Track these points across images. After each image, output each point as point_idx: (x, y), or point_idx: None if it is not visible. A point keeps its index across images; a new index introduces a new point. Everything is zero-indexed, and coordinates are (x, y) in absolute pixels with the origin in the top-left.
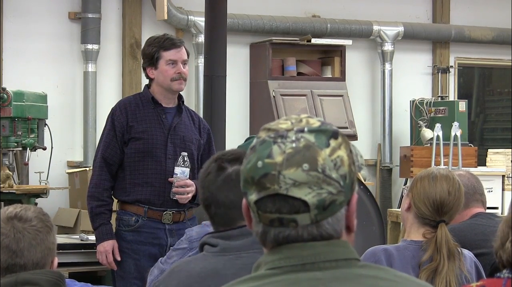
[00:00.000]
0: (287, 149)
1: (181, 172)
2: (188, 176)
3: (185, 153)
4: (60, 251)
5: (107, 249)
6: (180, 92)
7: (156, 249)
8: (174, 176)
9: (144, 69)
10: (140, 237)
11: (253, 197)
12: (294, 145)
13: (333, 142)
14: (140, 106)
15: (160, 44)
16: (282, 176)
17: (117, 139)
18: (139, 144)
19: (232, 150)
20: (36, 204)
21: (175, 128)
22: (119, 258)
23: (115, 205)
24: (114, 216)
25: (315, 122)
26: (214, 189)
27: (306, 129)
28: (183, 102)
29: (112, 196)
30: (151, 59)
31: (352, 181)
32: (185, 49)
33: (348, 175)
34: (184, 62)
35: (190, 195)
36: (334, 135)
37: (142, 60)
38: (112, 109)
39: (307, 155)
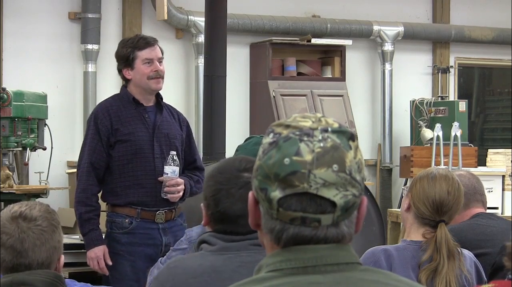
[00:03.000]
0: (315, 148)
1: (172, 171)
2: (178, 175)
3: (174, 152)
4: None
5: (98, 255)
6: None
7: (152, 250)
8: (164, 175)
9: (120, 71)
10: (135, 238)
11: (277, 194)
12: (322, 144)
13: (352, 144)
14: (121, 108)
15: (134, 45)
16: (312, 175)
17: (102, 143)
18: (127, 146)
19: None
20: None
21: (159, 127)
22: (110, 263)
23: (104, 208)
24: (104, 218)
25: (333, 123)
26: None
27: (329, 129)
28: (161, 98)
29: (102, 200)
30: (126, 60)
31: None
32: (159, 47)
33: (364, 178)
34: (160, 60)
35: (181, 194)
36: (352, 137)
37: (117, 63)
38: (93, 112)
39: (336, 155)
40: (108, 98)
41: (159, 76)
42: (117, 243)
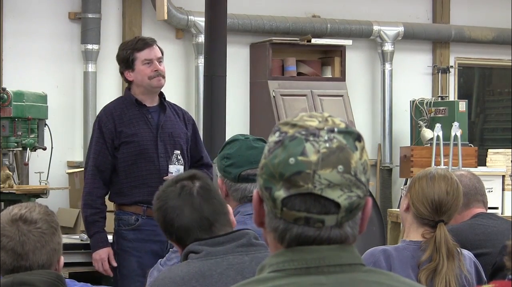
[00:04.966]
0: (321, 148)
1: (176, 170)
2: None
3: (178, 151)
4: None
5: (103, 257)
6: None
7: (157, 246)
8: (169, 174)
9: (122, 74)
10: (141, 235)
11: (281, 193)
12: (327, 145)
13: (358, 145)
14: (124, 110)
15: (133, 46)
16: (317, 176)
17: (107, 145)
18: (131, 147)
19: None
20: None
21: (163, 126)
22: (115, 264)
23: (112, 206)
24: (112, 216)
25: (340, 123)
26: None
27: (336, 129)
28: (164, 98)
29: (109, 200)
30: (126, 62)
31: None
32: (158, 47)
33: (369, 179)
34: (159, 60)
35: None
36: (359, 138)
37: (118, 66)
38: (98, 116)
39: (341, 156)
40: (112, 101)
41: (159, 75)
42: (124, 239)
